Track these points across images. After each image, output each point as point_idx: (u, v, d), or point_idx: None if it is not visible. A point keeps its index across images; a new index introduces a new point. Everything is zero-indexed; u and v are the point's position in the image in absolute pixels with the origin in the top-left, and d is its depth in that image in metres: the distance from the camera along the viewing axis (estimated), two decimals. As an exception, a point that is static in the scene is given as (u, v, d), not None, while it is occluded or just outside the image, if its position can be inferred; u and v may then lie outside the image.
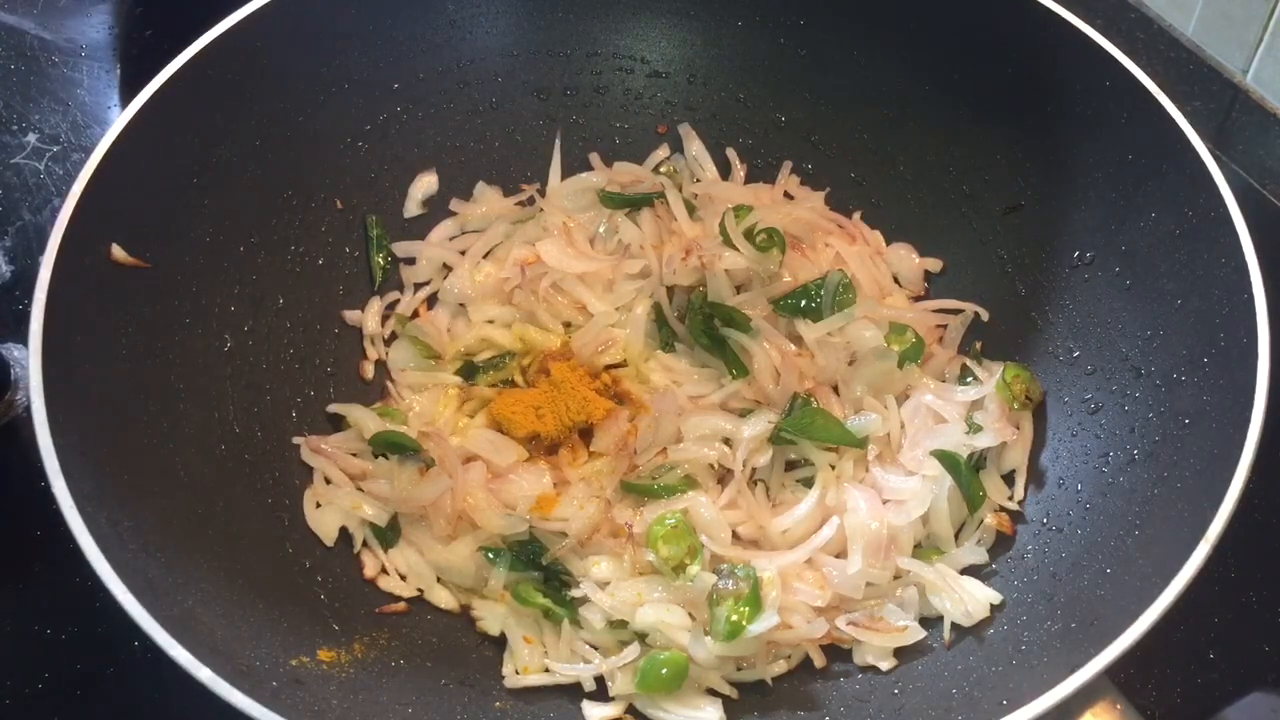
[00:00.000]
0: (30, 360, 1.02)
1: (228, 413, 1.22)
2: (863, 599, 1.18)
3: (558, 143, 1.50)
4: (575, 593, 1.19)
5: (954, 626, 1.16)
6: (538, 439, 1.29)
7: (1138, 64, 1.20)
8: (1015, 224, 1.36)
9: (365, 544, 1.25)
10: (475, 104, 1.47)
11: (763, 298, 1.35)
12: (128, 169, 1.14)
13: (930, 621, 1.18)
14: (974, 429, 1.26)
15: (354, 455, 1.29)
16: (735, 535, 1.23)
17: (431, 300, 1.44)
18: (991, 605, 1.16)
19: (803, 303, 1.34)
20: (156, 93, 1.18)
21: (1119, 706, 1.14)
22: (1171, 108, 1.17)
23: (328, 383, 1.35)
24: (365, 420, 1.30)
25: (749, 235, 1.38)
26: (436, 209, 1.47)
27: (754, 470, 1.27)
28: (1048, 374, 1.29)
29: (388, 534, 1.25)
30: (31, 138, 1.69)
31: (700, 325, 1.33)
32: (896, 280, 1.44)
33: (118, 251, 1.14)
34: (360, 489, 1.27)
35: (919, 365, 1.32)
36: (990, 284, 1.38)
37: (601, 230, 1.43)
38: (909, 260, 1.44)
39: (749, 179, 1.50)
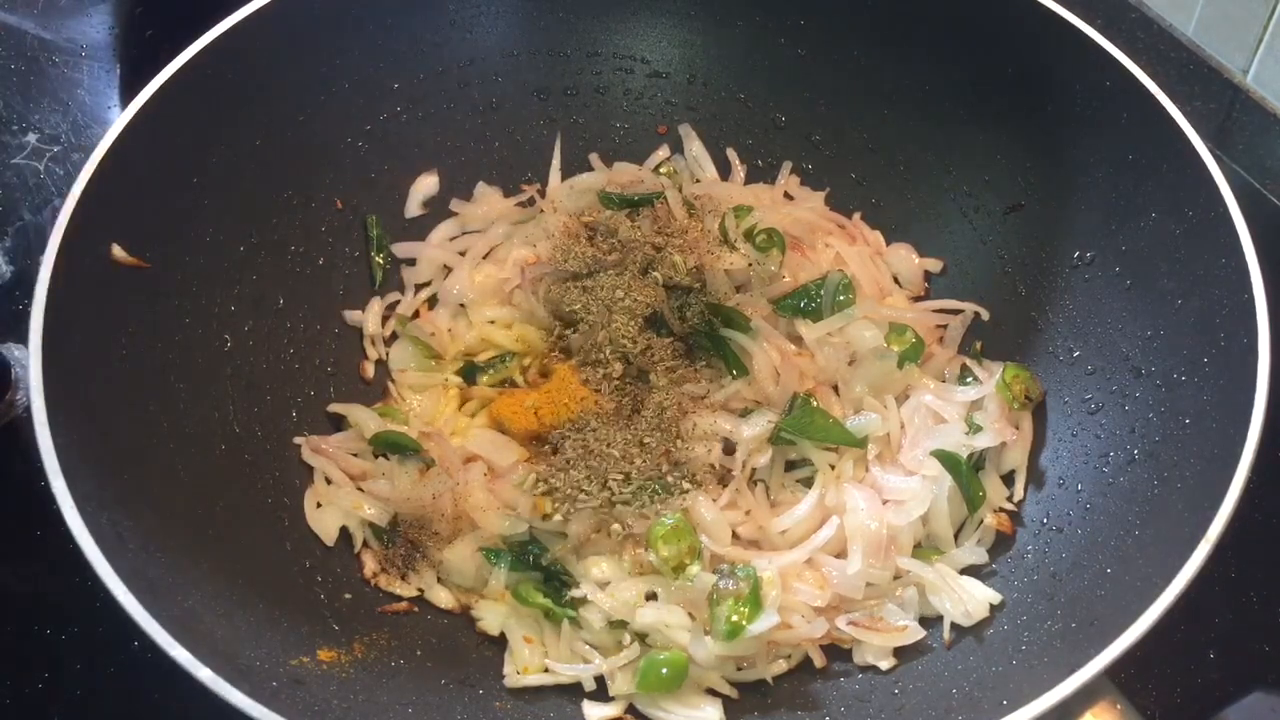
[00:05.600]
0: (30, 360, 1.02)
1: (228, 413, 1.23)
2: (863, 599, 1.18)
3: (558, 143, 1.50)
4: (575, 593, 1.19)
5: (954, 626, 1.16)
6: (538, 439, 1.29)
7: (1138, 64, 1.20)
8: (1015, 224, 1.36)
9: (365, 544, 1.25)
10: (475, 104, 1.47)
11: (763, 298, 1.35)
12: (128, 169, 1.15)
13: (930, 621, 1.18)
14: (974, 429, 1.26)
15: (354, 455, 1.29)
16: (735, 535, 1.23)
17: (432, 301, 1.44)
18: (991, 605, 1.16)
19: (803, 303, 1.34)
20: (156, 93, 1.18)
21: (1119, 706, 1.14)
22: (1171, 108, 1.17)
23: (328, 383, 1.35)
24: (366, 420, 1.30)
25: (749, 235, 1.38)
26: (437, 209, 1.47)
27: (754, 470, 1.27)
28: (1048, 374, 1.29)
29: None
30: (31, 138, 1.69)
31: (700, 325, 1.33)
32: (896, 280, 1.44)
33: (118, 251, 1.14)
34: (361, 489, 1.27)
35: (919, 365, 1.32)
36: (990, 284, 1.38)
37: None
38: (909, 260, 1.44)
39: (749, 179, 1.50)
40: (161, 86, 1.19)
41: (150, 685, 1.23)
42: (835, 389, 1.32)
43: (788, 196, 1.48)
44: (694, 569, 1.17)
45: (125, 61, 1.81)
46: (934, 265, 1.44)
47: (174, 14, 1.81)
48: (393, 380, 1.38)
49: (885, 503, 1.23)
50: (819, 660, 1.18)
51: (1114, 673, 0.97)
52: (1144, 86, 1.19)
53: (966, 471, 1.22)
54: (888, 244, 1.46)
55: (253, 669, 0.98)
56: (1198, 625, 1.24)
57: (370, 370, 1.39)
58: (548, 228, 1.43)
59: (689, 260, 1.35)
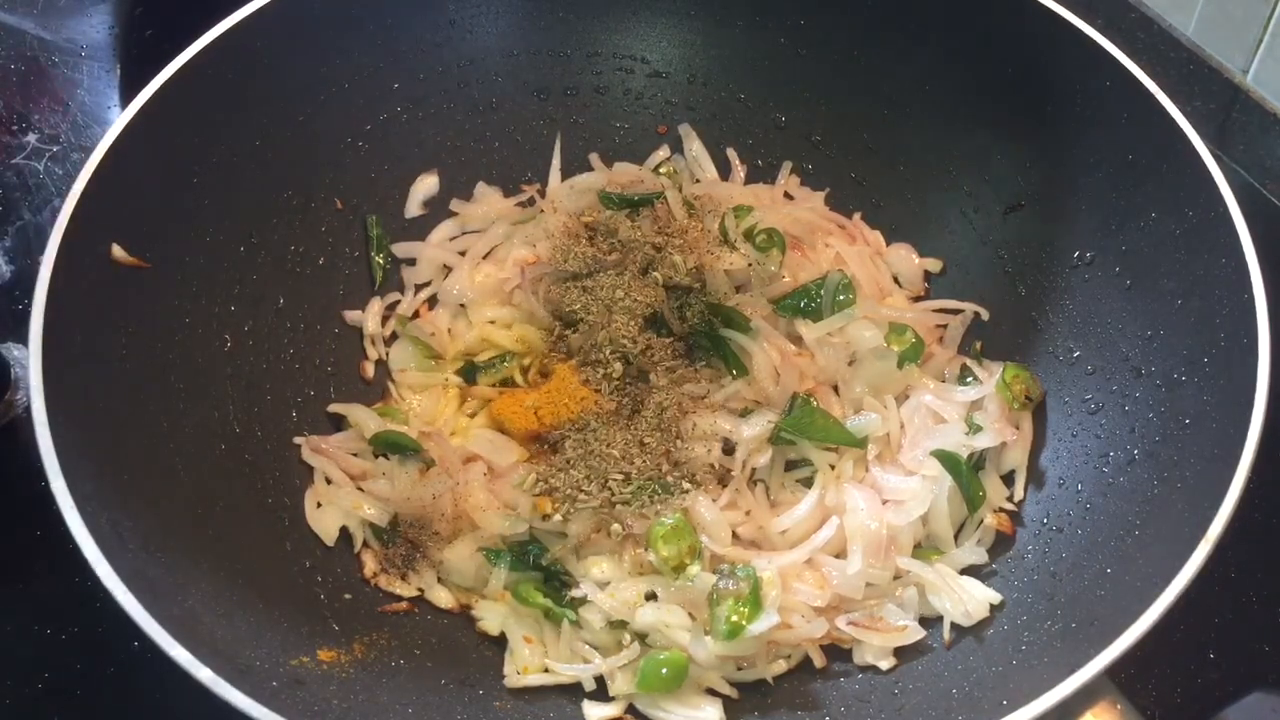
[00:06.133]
0: (30, 360, 1.03)
1: (228, 413, 1.23)
2: (863, 599, 1.18)
3: (558, 143, 1.50)
4: (575, 593, 1.19)
5: (954, 626, 1.16)
6: (538, 439, 1.29)
7: (1138, 64, 1.20)
8: (1015, 224, 1.36)
9: (365, 544, 1.25)
10: (475, 104, 1.47)
11: (763, 298, 1.35)
12: (128, 169, 1.15)
13: (930, 621, 1.18)
14: (974, 429, 1.26)
15: (354, 455, 1.29)
16: (735, 535, 1.23)
17: (432, 301, 1.44)
18: (991, 605, 1.16)
19: (803, 303, 1.34)
20: (156, 93, 1.18)
21: (1119, 706, 1.13)
22: (1171, 108, 1.17)
23: (328, 383, 1.35)
24: (366, 420, 1.30)
25: (749, 235, 1.38)
26: (437, 209, 1.47)
27: (754, 470, 1.27)
28: (1048, 374, 1.29)
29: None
30: (31, 138, 1.69)
31: (700, 325, 1.33)
32: (896, 280, 1.44)
33: (118, 251, 1.14)
34: (361, 489, 1.27)
35: (919, 365, 1.32)
36: (990, 284, 1.38)
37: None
38: (909, 260, 1.44)
39: (749, 179, 1.50)
40: (161, 86, 1.19)
41: (150, 685, 1.23)
42: (835, 389, 1.32)
43: (788, 196, 1.48)
44: (694, 569, 1.17)
45: (125, 61, 1.81)
46: (934, 265, 1.44)
47: (174, 14, 1.81)
48: (393, 380, 1.38)
49: (885, 503, 1.23)
50: (819, 660, 1.18)
51: (1114, 673, 0.97)
52: (1144, 86, 1.19)
53: (966, 471, 1.22)
54: (888, 244, 1.46)
55: (253, 669, 0.98)
56: (1198, 625, 1.24)
57: (370, 370, 1.39)
58: (548, 228, 1.43)
59: (689, 260, 1.35)
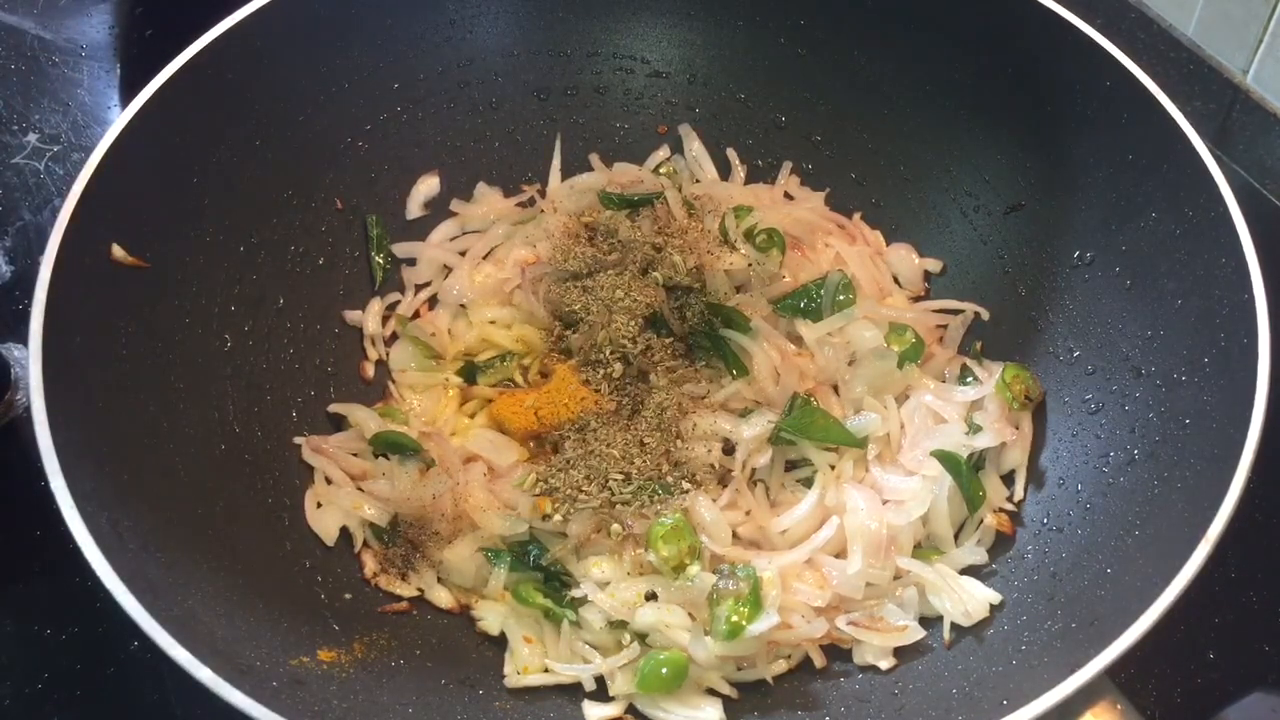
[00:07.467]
0: (30, 360, 1.03)
1: (228, 413, 1.23)
2: (863, 599, 1.18)
3: (558, 143, 1.50)
4: (575, 593, 1.19)
5: (954, 626, 1.16)
6: (538, 439, 1.29)
7: (1138, 64, 1.20)
8: (1015, 224, 1.36)
9: (365, 544, 1.25)
10: (475, 104, 1.47)
11: (763, 298, 1.35)
12: (128, 169, 1.15)
13: (930, 621, 1.18)
14: (974, 429, 1.26)
15: (354, 455, 1.29)
16: (735, 535, 1.23)
17: (432, 301, 1.44)
18: (991, 605, 1.16)
19: (803, 303, 1.34)
20: (156, 93, 1.18)
21: (1119, 706, 1.14)
22: (1171, 108, 1.17)
23: (328, 383, 1.35)
24: (366, 420, 1.30)
25: (749, 235, 1.38)
26: (437, 209, 1.47)
27: (754, 470, 1.27)
28: (1048, 374, 1.29)
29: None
30: (31, 138, 1.69)
31: (700, 325, 1.33)
32: (896, 280, 1.44)
33: (118, 251, 1.14)
34: (361, 489, 1.27)
35: (919, 365, 1.32)
36: (990, 284, 1.38)
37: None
38: (909, 260, 1.44)
39: (749, 179, 1.50)
40: (161, 86, 1.19)
41: (150, 685, 1.23)
42: (835, 389, 1.32)
43: (788, 196, 1.48)
44: (694, 569, 1.17)
45: (125, 61, 1.81)
46: (934, 265, 1.44)
47: (174, 14, 1.81)
48: (393, 380, 1.38)
49: (885, 503, 1.23)
50: (819, 660, 1.18)
51: (1114, 673, 0.97)
52: (1144, 86, 1.19)
53: (966, 471, 1.22)
54: (888, 244, 1.46)
55: (253, 669, 0.98)
56: (1198, 625, 1.24)
57: (370, 370, 1.39)
58: (548, 228, 1.43)
59: (689, 260, 1.35)
